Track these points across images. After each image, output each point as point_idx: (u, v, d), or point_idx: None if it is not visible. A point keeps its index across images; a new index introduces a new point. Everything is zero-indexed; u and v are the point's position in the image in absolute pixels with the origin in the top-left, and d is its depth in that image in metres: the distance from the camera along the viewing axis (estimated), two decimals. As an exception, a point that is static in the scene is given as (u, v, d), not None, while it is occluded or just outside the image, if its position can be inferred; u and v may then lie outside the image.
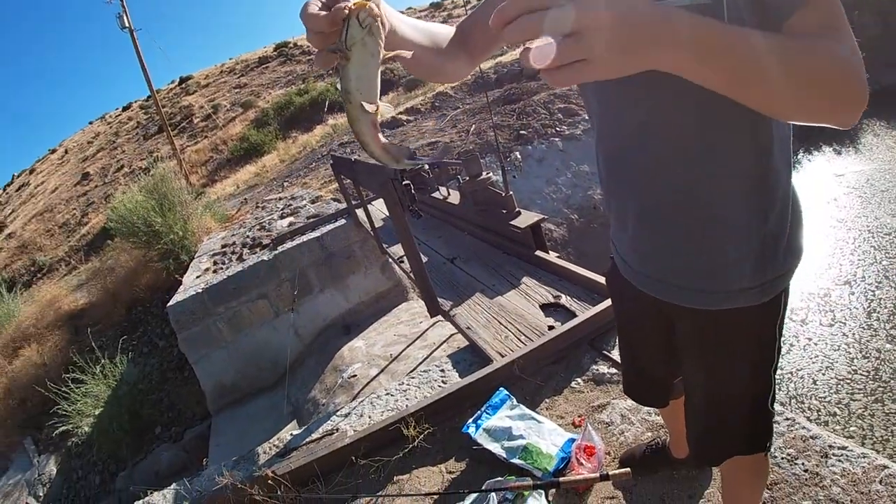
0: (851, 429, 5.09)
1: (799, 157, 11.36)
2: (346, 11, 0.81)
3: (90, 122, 40.68)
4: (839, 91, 0.81)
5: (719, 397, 1.45)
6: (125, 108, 38.93)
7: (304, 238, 7.77)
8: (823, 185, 9.94)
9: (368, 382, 5.76)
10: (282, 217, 9.48)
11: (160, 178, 10.67)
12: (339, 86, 0.86)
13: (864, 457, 2.43)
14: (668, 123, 1.14)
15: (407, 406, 3.24)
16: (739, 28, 0.74)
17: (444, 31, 1.14)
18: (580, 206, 10.46)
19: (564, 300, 3.86)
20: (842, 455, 2.46)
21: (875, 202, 9.02)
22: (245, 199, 14.60)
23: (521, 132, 12.02)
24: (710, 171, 1.16)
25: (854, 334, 6.31)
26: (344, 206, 8.57)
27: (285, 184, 14.61)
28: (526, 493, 2.31)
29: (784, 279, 1.27)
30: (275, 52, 36.15)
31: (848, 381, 5.59)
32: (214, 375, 7.46)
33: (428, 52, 1.07)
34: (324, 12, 0.82)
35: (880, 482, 2.29)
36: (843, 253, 7.83)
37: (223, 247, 8.97)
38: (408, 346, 6.26)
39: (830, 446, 2.49)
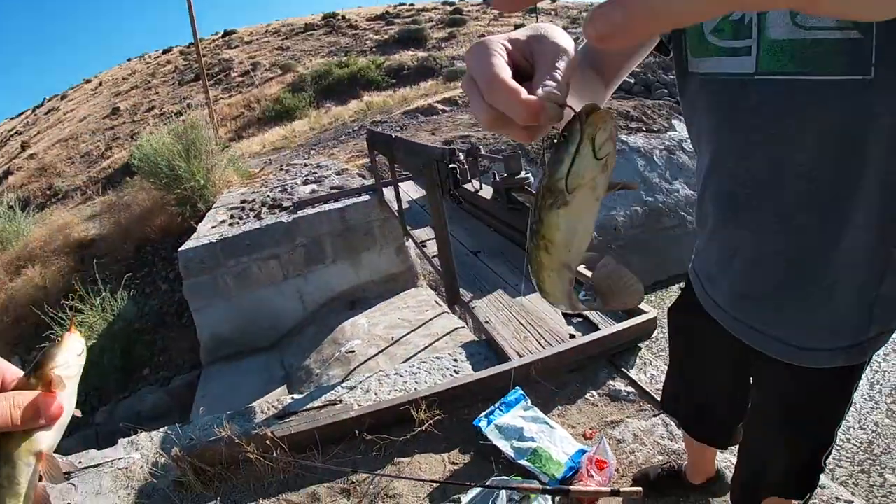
0: (839, 490, 5.04)
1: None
2: (577, 124, 0.53)
3: (129, 59, 40.60)
4: None
5: (785, 449, 1.43)
6: (165, 51, 38.87)
7: (326, 207, 7.72)
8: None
9: (365, 361, 5.72)
10: (305, 183, 9.43)
11: (191, 124, 10.64)
12: (531, 221, 0.58)
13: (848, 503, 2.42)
14: (805, 165, 1.04)
15: (416, 389, 3.19)
16: None
17: (588, 81, 1.03)
18: (601, 225, 10.41)
19: (589, 311, 3.80)
20: (826, 500, 2.45)
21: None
22: (270, 159, 14.56)
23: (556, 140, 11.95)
24: (841, 219, 1.06)
25: (855, 404, 6.24)
26: (369, 182, 8.50)
27: (312, 151, 14.56)
28: (533, 496, 2.25)
29: (885, 337, 1.20)
30: (322, 21, 36.08)
31: (837, 448, 5.53)
32: (213, 327, 7.41)
33: None
34: (522, 93, 0.53)
35: None
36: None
37: (242, 202, 8.93)
38: (410, 332, 6.22)
39: (837, 498, 2.47)
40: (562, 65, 0.56)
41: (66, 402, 0.61)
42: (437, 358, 3.63)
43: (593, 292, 0.67)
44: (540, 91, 0.53)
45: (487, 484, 2.36)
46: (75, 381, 0.64)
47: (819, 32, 0.93)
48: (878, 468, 5.29)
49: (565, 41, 0.59)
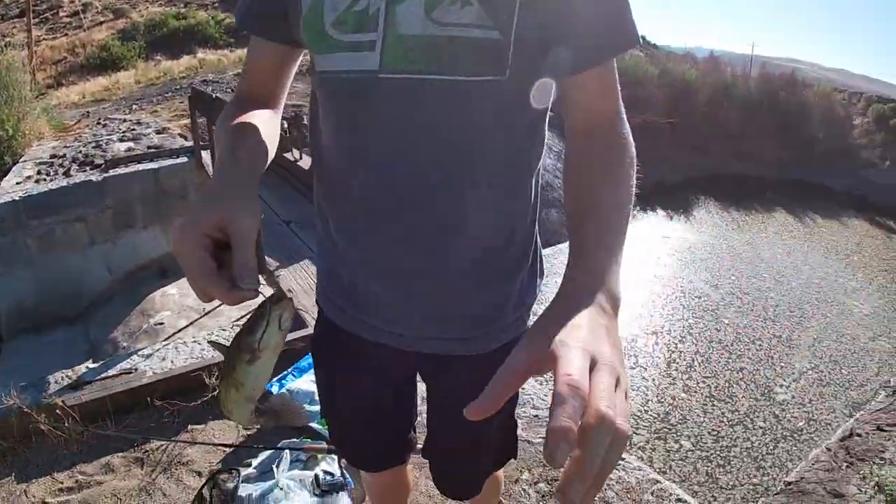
0: (630, 458, 5.52)
1: (633, 212, 12.22)
2: (265, 308, 0.76)
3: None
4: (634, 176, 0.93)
5: (488, 429, 1.41)
6: (-7, -20, 34.91)
7: (140, 167, 7.25)
8: (650, 242, 10.74)
9: (175, 333, 5.53)
10: (121, 140, 8.84)
11: (6, 65, 9.69)
12: (231, 365, 0.80)
13: (639, 469, 2.67)
14: (436, 169, 1.00)
15: (213, 356, 3.15)
16: (607, 239, 0.78)
17: (267, 117, 1.06)
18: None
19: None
20: (619, 465, 2.67)
21: (692, 267, 9.90)
22: (88, 112, 13.53)
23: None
24: (480, 219, 1.06)
25: (653, 380, 6.84)
26: (190, 144, 8.17)
27: (134, 107, 13.73)
28: (320, 456, 2.33)
29: (535, 301, 1.27)
30: (164, -33, 33.85)
31: (636, 418, 6.02)
32: (12, 295, 6.84)
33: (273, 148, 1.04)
34: (222, 284, 0.72)
35: (651, 493, 2.53)
36: (654, 306, 8.49)
37: (52, 157, 8.28)
38: (223, 304, 6.06)
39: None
40: (250, 243, 0.75)
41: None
42: (237, 326, 3.60)
43: (269, 414, 0.93)
44: (240, 281, 0.73)
45: (278, 446, 2.41)
46: None
47: (456, 30, 0.88)
48: (675, 436, 5.81)
49: (247, 210, 0.77)
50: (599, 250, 0.76)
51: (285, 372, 2.89)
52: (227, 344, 0.81)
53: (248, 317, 0.78)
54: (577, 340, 0.58)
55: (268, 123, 1.03)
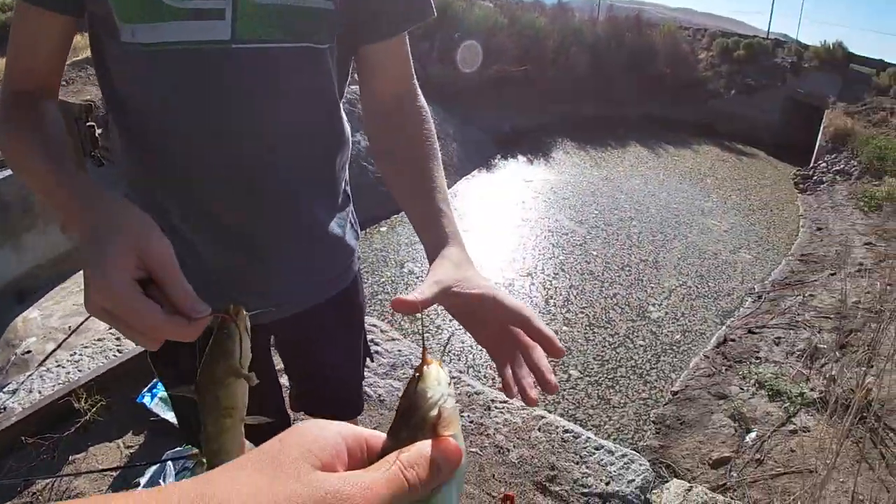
0: (514, 400, 5.66)
1: (495, 160, 12.39)
2: (230, 327, 0.68)
3: None
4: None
5: (359, 348, 1.50)
6: None
7: (-26, 181, 6.69)
8: (513, 188, 10.96)
9: (45, 359, 5.24)
10: (-48, 161, 8.19)
11: None
12: (220, 400, 0.73)
13: (523, 408, 2.77)
14: (290, 133, 1.05)
15: (79, 378, 3.01)
16: (446, 212, 0.99)
17: (49, 120, 0.94)
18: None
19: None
20: (503, 407, 2.78)
21: (556, 207, 10.17)
22: None
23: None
24: (327, 181, 1.20)
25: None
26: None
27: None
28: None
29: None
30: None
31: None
32: None
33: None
34: (179, 320, 0.66)
35: (539, 430, 2.65)
36: (525, 248, 8.68)
37: None
38: (89, 318, 5.78)
39: (493, 400, 2.80)
40: (177, 267, 0.70)
41: (462, 441, 0.47)
42: (99, 341, 3.47)
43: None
44: (193, 312, 0.67)
45: (162, 459, 2.36)
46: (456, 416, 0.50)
47: (302, 0, 0.92)
48: (563, 367, 5.99)
49: (153, 230, 0.71)
50: (448, 217, 0.98)
51: (154, 380, 2.79)
52: (191, 389, 0.74)
53: (210, 343, 0.71)
54: (476, 283, 0.84)
55: (61, 124, 0.98)
